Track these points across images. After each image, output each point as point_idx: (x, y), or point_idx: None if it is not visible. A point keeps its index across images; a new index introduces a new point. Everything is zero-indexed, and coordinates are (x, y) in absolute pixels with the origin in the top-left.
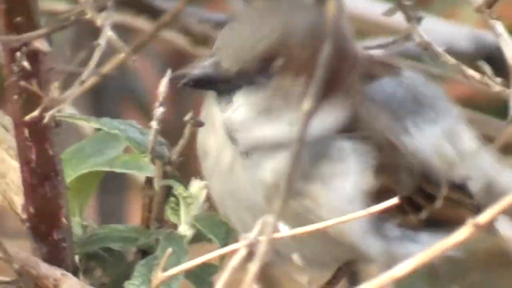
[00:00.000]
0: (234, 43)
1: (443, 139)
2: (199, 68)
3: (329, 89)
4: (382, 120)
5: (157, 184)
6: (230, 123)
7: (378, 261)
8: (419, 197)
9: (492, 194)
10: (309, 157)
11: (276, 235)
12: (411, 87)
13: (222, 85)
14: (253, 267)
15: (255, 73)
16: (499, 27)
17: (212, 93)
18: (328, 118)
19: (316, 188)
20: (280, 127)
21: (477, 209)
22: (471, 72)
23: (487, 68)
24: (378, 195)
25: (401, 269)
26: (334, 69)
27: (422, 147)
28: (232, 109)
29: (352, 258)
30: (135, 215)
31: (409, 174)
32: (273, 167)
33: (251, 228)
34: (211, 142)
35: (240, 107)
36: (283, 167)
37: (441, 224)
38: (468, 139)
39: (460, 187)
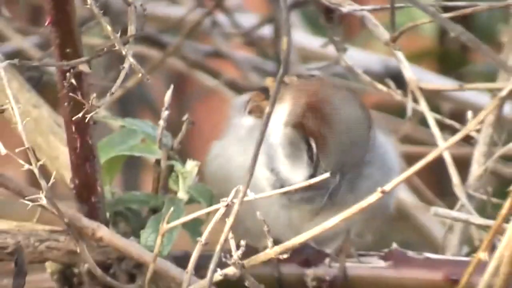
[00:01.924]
0: (353, 155)
1: None
2: (333, 188)
3: None
4: None
5: (163, 164)
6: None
7: None
8: None
9: None
10: None
11: (246, 198)
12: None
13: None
14: (229, 221)
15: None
16: (400, 55)
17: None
18: None
19: None
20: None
21: None
22: (380, 86)
23: (392, 84)
24: None
25: (330, 222)
26: None
27: None
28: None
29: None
30: (148, 185)
31: None
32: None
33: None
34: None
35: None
36: None
37: None
38: None
39: None
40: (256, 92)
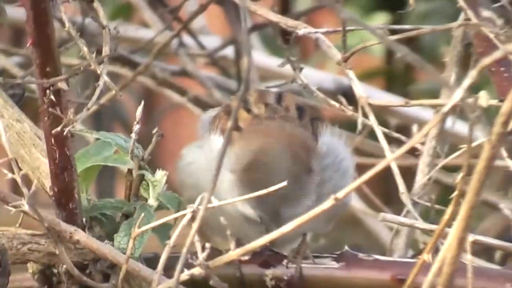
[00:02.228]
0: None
1: None
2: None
3: None
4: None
5: (135, 173)
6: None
7: None
8: None
9: None
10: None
11: (210, 205)
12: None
13: None
14: (195, 226)
15: None
16: (351, 74)
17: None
18: None
19: None
20: None
21: None
22: (333, 103)
23: (343, 100)
24: None
25: (286, 227)
26: None
27: None
28: None
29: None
30: (121, 193)
31: None
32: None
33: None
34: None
35: None
36: None
37: None
38: None
39: None
40: (224, 109)
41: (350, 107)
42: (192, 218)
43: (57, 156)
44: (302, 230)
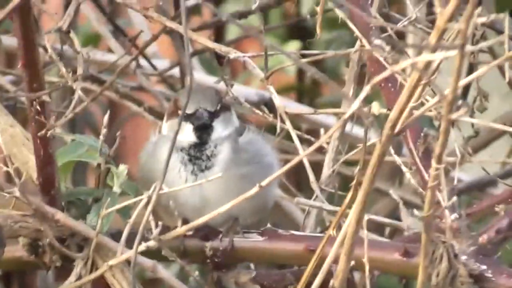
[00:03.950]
0: (205, 99)
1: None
2: (200, 116)
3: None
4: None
5: (102, 167)
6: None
7: None
8: None
9: None
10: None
11: (161, 192)
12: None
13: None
14: (149, 207)
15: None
16: (271, 89)
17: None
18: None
19: None
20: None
21: None
22: (257, 111)
23: (265, 109)
24: None
25: (222, 208)
26: None
27: None
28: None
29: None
30: (92, 182)
31: None
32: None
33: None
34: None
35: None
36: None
37: None
38: None
39: None
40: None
41: (271, 115)
42: (147, 202)
43: (42, 154)
44: (235, 214)
